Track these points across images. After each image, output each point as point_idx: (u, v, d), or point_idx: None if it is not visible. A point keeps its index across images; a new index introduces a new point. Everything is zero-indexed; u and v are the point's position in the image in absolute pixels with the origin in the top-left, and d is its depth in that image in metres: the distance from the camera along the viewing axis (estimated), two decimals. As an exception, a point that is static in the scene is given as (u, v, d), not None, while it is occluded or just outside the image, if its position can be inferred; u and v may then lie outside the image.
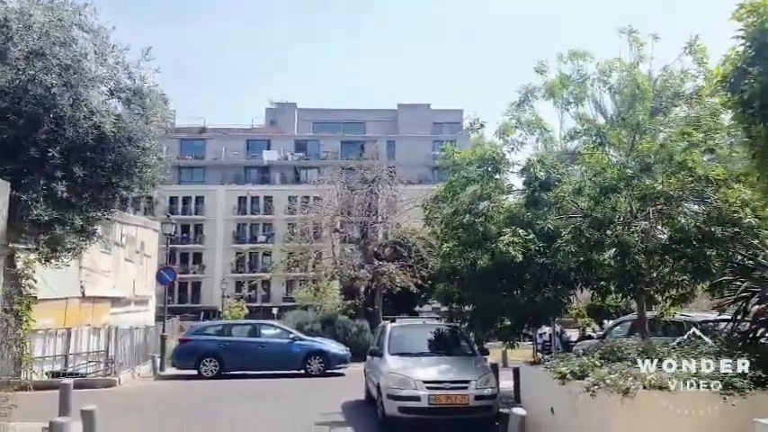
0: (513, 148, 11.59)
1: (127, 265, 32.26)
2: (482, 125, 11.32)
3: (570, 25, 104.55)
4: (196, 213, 64.90)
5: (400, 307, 26.14)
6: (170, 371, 19.00)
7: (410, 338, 11.18)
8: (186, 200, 65.35)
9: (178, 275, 60.87)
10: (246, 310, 48.34)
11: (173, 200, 64.16)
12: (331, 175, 27.56)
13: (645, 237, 9.75)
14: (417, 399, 9.32)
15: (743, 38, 6.02)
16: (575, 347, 15.84)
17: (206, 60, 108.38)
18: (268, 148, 69.14)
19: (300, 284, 48.54)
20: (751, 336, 7.97)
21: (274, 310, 55.88)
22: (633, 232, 9.69)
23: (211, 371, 17.72)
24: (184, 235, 64.10)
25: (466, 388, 9.47)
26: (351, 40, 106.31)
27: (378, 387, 10.25)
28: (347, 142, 68.23)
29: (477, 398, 9.46)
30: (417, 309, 27.38)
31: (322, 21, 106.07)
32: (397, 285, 23.74)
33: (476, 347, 11.12)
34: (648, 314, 14.30)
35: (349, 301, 27.11)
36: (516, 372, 11.64)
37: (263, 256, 62.86)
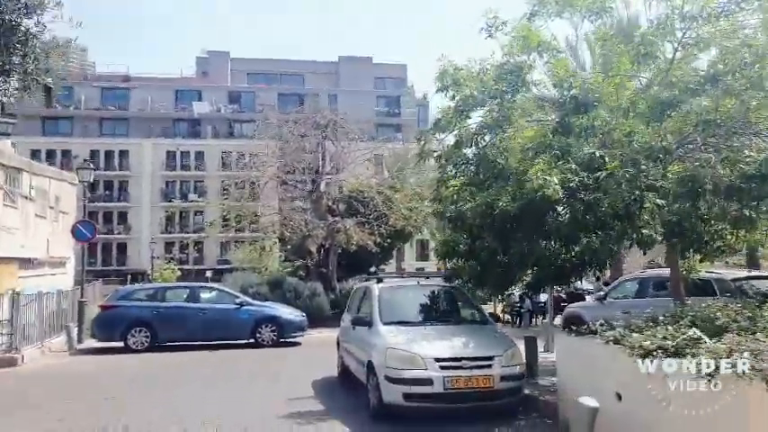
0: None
1: (38, 221, 28.14)
2: (504, 23, 8.77)
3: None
4: (120, 169, 59.75)
5: (355, 268, 23.73)
6: (90, 343, 15.95)
7: (405, 303, 8.78)
8: (109, 154, 60.01)
9: (101, 236, 57.31)
10: (178, 273, 44.91)
11: (93, 154, 58.65)
12: (277, 119, 24.46)
13: (712, 172, 7.70)
14: (429, 382, 7.01)
15: None
16: (569, 310, 14.00)
17: (132, 4, 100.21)
18: (199, 100, 64.33)
19: (236, 245, 45.41)
20: None
21: (208, 273, 52.59)
22: (699, 166, 7.62)
23: (142, 343, 14.83)
24: (107, 192, 59.27)
25: (490, 366, 7.22)
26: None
27: (368, 366, 7.87)
28: (285, 95, 64.11)
29: (504, 378, 7.25)
30: (374, 269, 25.05)
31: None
32: (353, 244, 21.27)
33: (486, 314, 8.88)
34: (653, 271, 12.51)
35: (299, 262, 24.51)
36: (530, 341, 9.54)
37: (195, 214, 58.80)
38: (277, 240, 25.14)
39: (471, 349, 7.39)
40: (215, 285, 18.00)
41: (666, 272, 12.13)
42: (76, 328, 16.41)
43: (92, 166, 18.18)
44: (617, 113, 8.03)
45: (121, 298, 15.72)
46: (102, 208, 57.95)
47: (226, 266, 50.29)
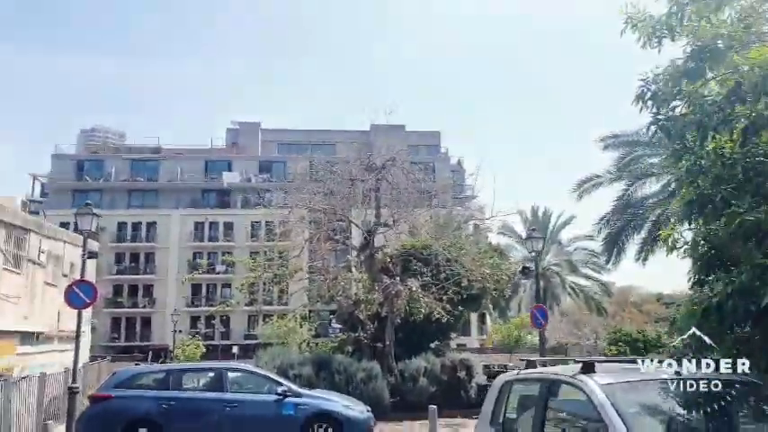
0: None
1: (48, 290, 24.63)
2: None
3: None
4: (147, 240, 57.31)
5: (412, 343, 19.26)
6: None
7: (678, 423, 4.21)
8: (136, 226, 58.01)
9: (126, 310, 53.90)
10: (203, 349, 40.69)
11: (121, 226, 56.72)
12: (322, 168, 21.04)
13: None
14: None
15: None
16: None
17: (167, 84, 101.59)
18: (229, 170, 62.13)
19: (265, 319, 41.38)
20: None
21: (235, 349, 48.52)
22: None
23: (144, 454, 10.52)
24: (133, 264, 56.82)
25: None
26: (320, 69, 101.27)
27: None
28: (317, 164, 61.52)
29: None
30: (435, 344, 20.49)
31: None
32: (421, 311, 16.96)
33: None
34: None
35: (344, 335, 20.26)
36: None
37: (222, 287, 55.20)
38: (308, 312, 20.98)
39: None
40: (248, 367, 13.37)
41: None
42: (63, 426, 12.29)
43: (93, 211, 14.37)
44: None
45: (119, 385, 11.17)
46: (128, 280, 55.70)
47: (252, 341, 46.43)
